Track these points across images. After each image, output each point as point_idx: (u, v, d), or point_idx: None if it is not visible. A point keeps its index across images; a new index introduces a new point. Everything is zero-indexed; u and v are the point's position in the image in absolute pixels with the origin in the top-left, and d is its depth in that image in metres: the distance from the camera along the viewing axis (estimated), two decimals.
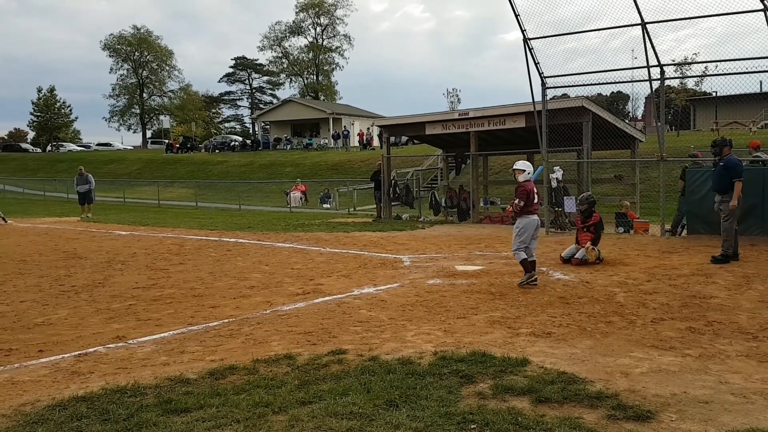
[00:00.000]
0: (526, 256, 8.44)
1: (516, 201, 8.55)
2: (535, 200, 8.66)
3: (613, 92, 52.79)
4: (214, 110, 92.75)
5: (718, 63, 12.74)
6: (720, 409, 4.13)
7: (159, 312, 7.65)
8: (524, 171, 8.71)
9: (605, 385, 4.58)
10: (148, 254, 12.88)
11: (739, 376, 4.81)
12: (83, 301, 8.39)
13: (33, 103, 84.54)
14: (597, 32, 13.52)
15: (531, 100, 14.83)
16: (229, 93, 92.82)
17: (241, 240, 15.15)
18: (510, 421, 3.91)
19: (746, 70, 12.31)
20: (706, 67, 15.61)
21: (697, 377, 4.78)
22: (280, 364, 5.29)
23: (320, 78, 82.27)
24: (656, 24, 12.84)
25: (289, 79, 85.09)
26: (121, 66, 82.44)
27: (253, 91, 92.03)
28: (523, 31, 13.89)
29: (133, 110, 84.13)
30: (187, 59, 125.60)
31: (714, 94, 35.55)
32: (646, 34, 12.80)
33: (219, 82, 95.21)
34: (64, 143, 78.16)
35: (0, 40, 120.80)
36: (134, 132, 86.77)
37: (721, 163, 10.12)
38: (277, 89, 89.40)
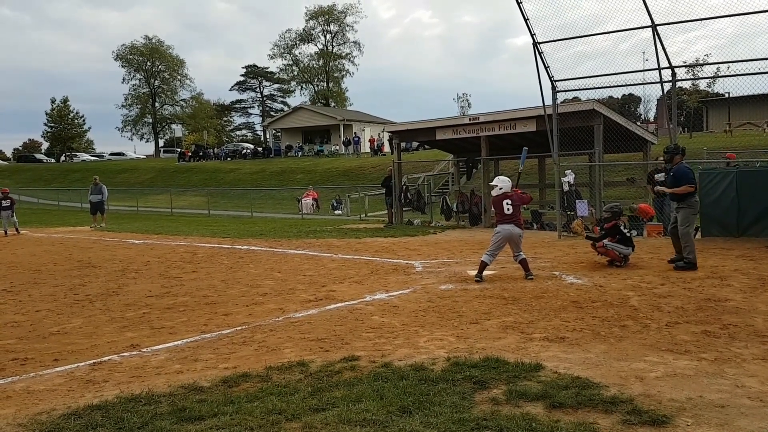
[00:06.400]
0: (487, 263, 9.41)
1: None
2: (505, 211, 9.48)
3: (624, 95, 52.57)
4: (225, 118, 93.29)
5: (730, 64, 12.64)
6: (736, 413, 4.09)
7: (172, 320, 7.69)
8: (495, 186, 9.73)
9: (620, 390, 4.54)
10: (161, 262, 12.96)
11: (756, 379, 4.76)
12: (97, 310, 8.45)
13: (47, 114, 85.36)
14: (606, 35, 13.47)
15: (541, 104, 14.78)
16: (240, 101, 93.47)
17: (253, 247, 15.20)
18: (524, 427, 3.89)
19: (759, 71, 12.23)
20: (717, 68, 15.48)
21: (713, 381, 4.74)
22: (293, 371, 5.30)
23: (330, 85, 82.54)
24: (666, 26, 12.79)
25: (299, 87, 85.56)
26: (134, 76, 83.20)
27: (264, 98, 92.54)
28: (532, 35, 13.85)
29: (145, 120, 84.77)
30: (198, 68, 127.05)
31: (726, 95, 35.34)
32: (656, 36, 12.74)
33: (230, 90, 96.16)
34: (77, 153, 78.97)
35: (16, 53, 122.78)
36: (147, 141, 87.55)
37: (672, 173, 10.01)
38: (288, 97, 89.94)
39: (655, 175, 14.78)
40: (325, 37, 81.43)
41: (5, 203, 21.63)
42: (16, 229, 21.64)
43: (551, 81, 14.47)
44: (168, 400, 4.68)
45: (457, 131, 19.32)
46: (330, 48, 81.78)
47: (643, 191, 18.33)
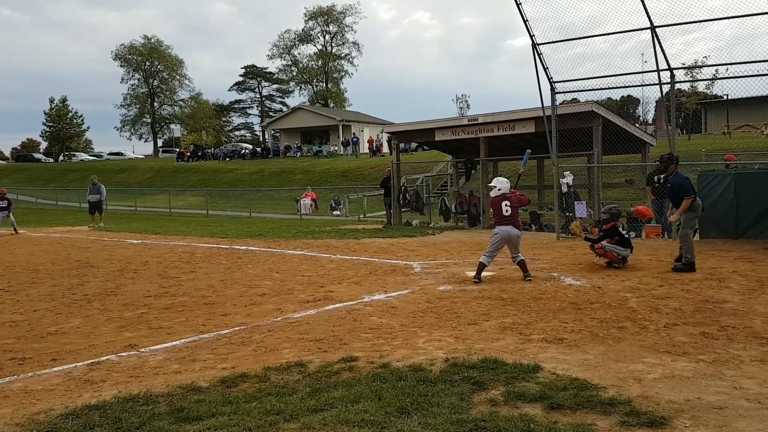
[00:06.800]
0: (485, 264, 9.39)
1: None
2: (504, 212, 9.44)
3: (623, 96, 52.50)
4: (224, 119, 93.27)
5: (729, 66, 12.66)
6: (735, 415, 4.09)
7: (170, 320, 7.68)
8: (494, 187, 9.67)
9: (618, 392, 4.55)
10: (159, 263, 12.94)
11: (754, 381, 4.76)
12: (95, 310, 8.44)
13: (45, 114, 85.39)
14: (605, 36, 13.50)
15: (540, 105, 14.79)
16: (239, 101, 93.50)
17: (251, 248, 15.19)
18: (522, 428, 3.89)
19: (757, 73, 12.26)
20: (716, 70, 15.52)
21: (711, 383, 4.74)
22: (291, 372, 5.30)
23: (329, 85, 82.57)
24: (665, 28, 12.81)
25: (298, 87, 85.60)
26: (132, 76, 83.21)
27: (263, 99, 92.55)
28: (531, 36, 13.86)
29: (144, 119, 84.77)
30: (197, 69, 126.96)
31: (725, 97, 35.39)
32: (655, 38, 12.75)
33: (229, 90, 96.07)
34: (76, 153, 78.90)
35: (16, 55, 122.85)
36: (145, 141, 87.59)
37: (669, 184, 10.08)
38: (287, 97, 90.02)
39: (654, 177, 14.80)
40: (324, 37, 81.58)
41: (2, 204, 21.54)
42: (15, 229, 21.59)
43: (550, 82, 14.48)
44: (166, 401, 4.67)
45: (455, 132, 19.33)
46: (329, 48, 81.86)
47: (642, 193, 18.34)
